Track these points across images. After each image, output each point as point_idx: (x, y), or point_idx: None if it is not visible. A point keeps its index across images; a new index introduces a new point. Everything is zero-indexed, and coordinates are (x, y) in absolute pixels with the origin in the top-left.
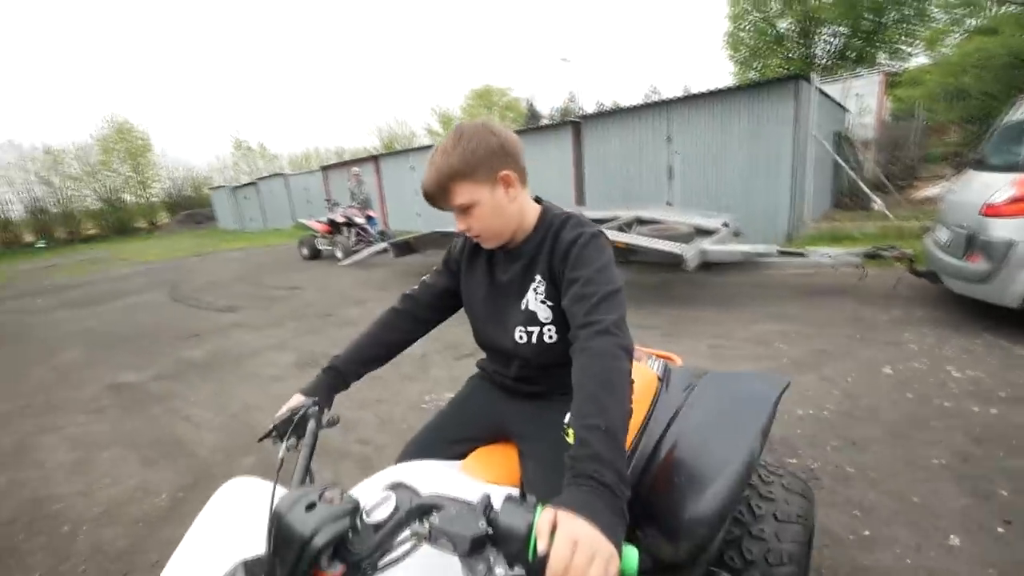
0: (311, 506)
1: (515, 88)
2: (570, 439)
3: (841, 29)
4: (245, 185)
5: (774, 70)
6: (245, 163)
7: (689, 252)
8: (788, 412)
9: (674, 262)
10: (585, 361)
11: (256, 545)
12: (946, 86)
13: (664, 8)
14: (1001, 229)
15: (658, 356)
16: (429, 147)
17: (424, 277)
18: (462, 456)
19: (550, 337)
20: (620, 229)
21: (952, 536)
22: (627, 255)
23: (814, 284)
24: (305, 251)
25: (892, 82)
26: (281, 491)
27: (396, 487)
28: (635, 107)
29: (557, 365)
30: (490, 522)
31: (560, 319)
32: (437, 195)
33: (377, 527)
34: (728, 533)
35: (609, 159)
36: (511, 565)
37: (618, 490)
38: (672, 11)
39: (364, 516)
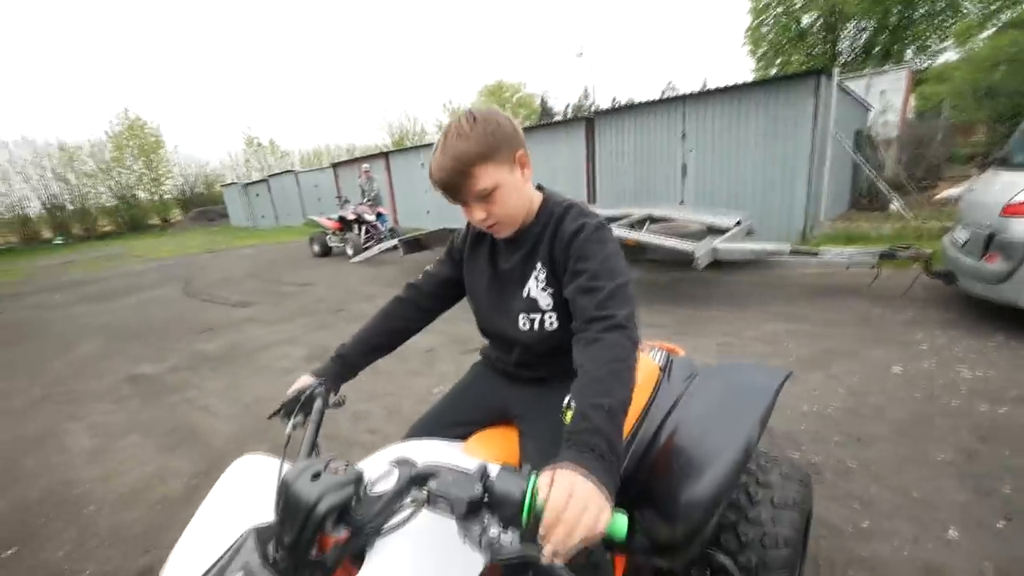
0: (316, 476)
1: (528, 84)
2: (567, 421)
3: (868, 24)
4: (256, 182)
5: (796, 67)
6: (256, 160)
7: (700, 250)
8: (793, 408)
9: (685, 260)
10: (596, 350)
11: (266, 514)
12: (975, 82)
13: (683, 2)
14: (1022, 229)
15: (661, 347)
16: None
17: (427, 267)
18: (464, 438)
19: (551, 324)
20: (632, 227)
21: (951, 530)
22: (638, 253)
23: (827, 284)
24: (316, 248)
25: (918, 79)
26: (288, 465)
27: (399, 462)
28: (649, 103)
29: (557, 351)
30: (486, 488)
31: (561, 306)
32: (457, 182)
33: (379, 496)
34: (724, 518)
35: (622, 156)
36: (505, 528)
37: (612, 457)
38: (692, 5)
39: (368, 488)
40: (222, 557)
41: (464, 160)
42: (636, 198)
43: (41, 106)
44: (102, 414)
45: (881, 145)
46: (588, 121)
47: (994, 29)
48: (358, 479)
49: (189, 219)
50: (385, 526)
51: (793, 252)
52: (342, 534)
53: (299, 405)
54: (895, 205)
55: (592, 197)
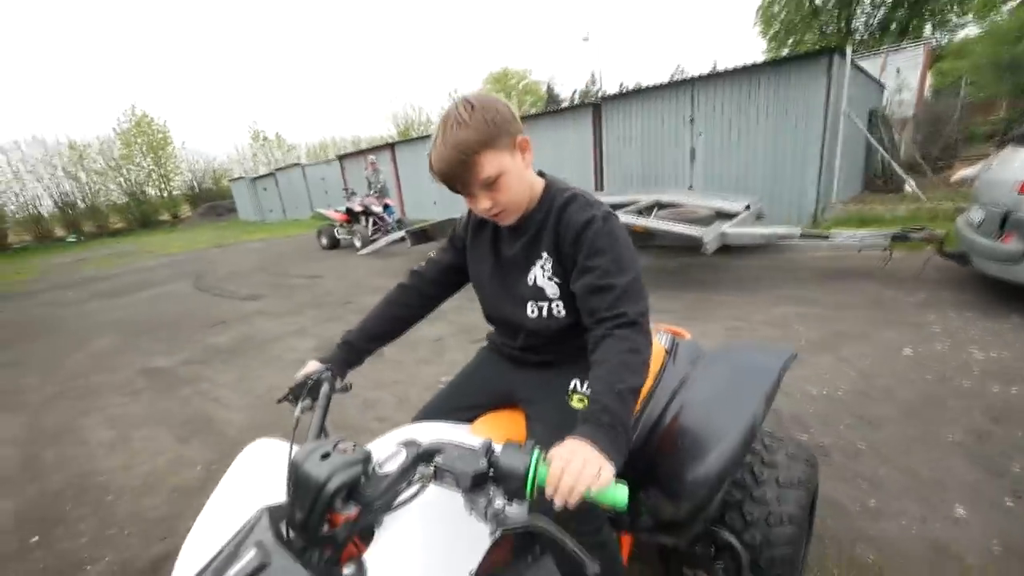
0: (326, 455)
1: (534, 71)
2: (574, 404)
3: None
4: (264, 176)
5: (808, 47)
6: (263, 154)
7: (708, 235)
8: (801, 391)
9: (693, 245)
10: (609, 343)
11: (279, 495)
12: (997, 56)
13: None
14: None
15: (667, 330)
16: None
17: (430, 254)
18: (471, 422)
19: (558, 312)
20: (640, 213)
21: (959, 509)
22: (646, 239)
23: (838, 267)
24: (324, 241)
25: (936, 55)
26: (298, 448)
27: (406, 443)
28: (657, 87)
29: (562, 337)
30: (491, 463)
31: (567, 295)
32: (460, 172)
33: (387, 474)
34: (730, 496)
35: (629, 142)
36: (510, 501)
37: (619, 430)
38: None
39: (376, 467)
40: (236, 535)
41: (466, 149)
42: (644, 183)
43: (49, 105)
44: (118, 406)
45: (896, 125)
46: (595, 107)
47: (1019, 1)
48: (367, 458)
49: (198, 215)
50: (394, 503)
51: (804, 236)
52: (352, 511)
53: (307, 390)
54: (909, 186)
55: (600, 183)
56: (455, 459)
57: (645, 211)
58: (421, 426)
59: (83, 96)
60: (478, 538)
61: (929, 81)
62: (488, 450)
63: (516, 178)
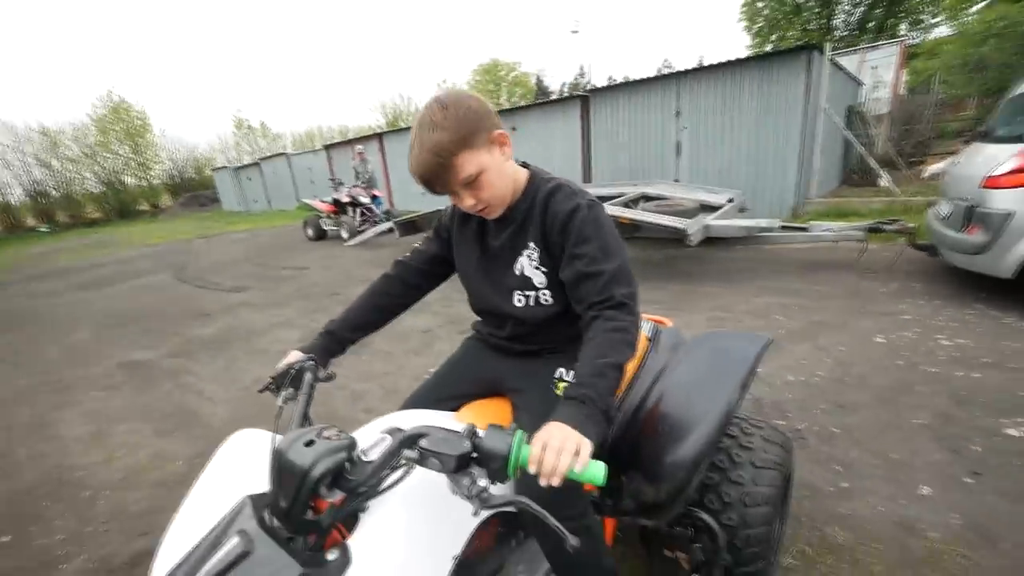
0: (310, 443)
1: (524, 63)
2: (559, 392)
3: None
4: (248, 166)
5: (791, 43)
6: (247, 143)
7: (693, 227)
8: (780, 378)
9: (678, 237)
10: (598, 324)
11: (262, 484)
12: (965, 57)
13: None
14: (1000, 200)
15: (649, 319)
16: None
17: (416, 244)
18: (456, 410)
19: (545, 301)
20: (626, 205)
21: (924, 488)
22: (632, 231)
23: (817, 259)
24: (310, 232)
25: (910, 54)
26: (282, 437)
27: (391, 430)
28: (644, 80)
29: (549, 325)
30: (475, 446)
31: (554, 283)
32: (439, 174)
33: (372, 460)
34: (708, 479)
35: (617, 134)
36: (493, 482)
37: (597, 404)
38: None
39: (361, 456)
40: (218, 524)
41: (442, 151)
42: (631, 176)
43: (18, 88)
44: (97, 400)
45: (872, 121)
46: (583, 99)
47: (985, 3)
48: (351, 445)
49: (179, 205)
50: (379, 488)
51: (783, 228)
52: (337, 497)
53: (289, 379)
54: (884, 181)
55: (588, 176)
56: (439, 441)
57: (632, 203)
58: (405, 414)
59: (55, 80)
60: (462, 523)
61: (904, 78)
62: (472, 433)
63: (496, 174)
